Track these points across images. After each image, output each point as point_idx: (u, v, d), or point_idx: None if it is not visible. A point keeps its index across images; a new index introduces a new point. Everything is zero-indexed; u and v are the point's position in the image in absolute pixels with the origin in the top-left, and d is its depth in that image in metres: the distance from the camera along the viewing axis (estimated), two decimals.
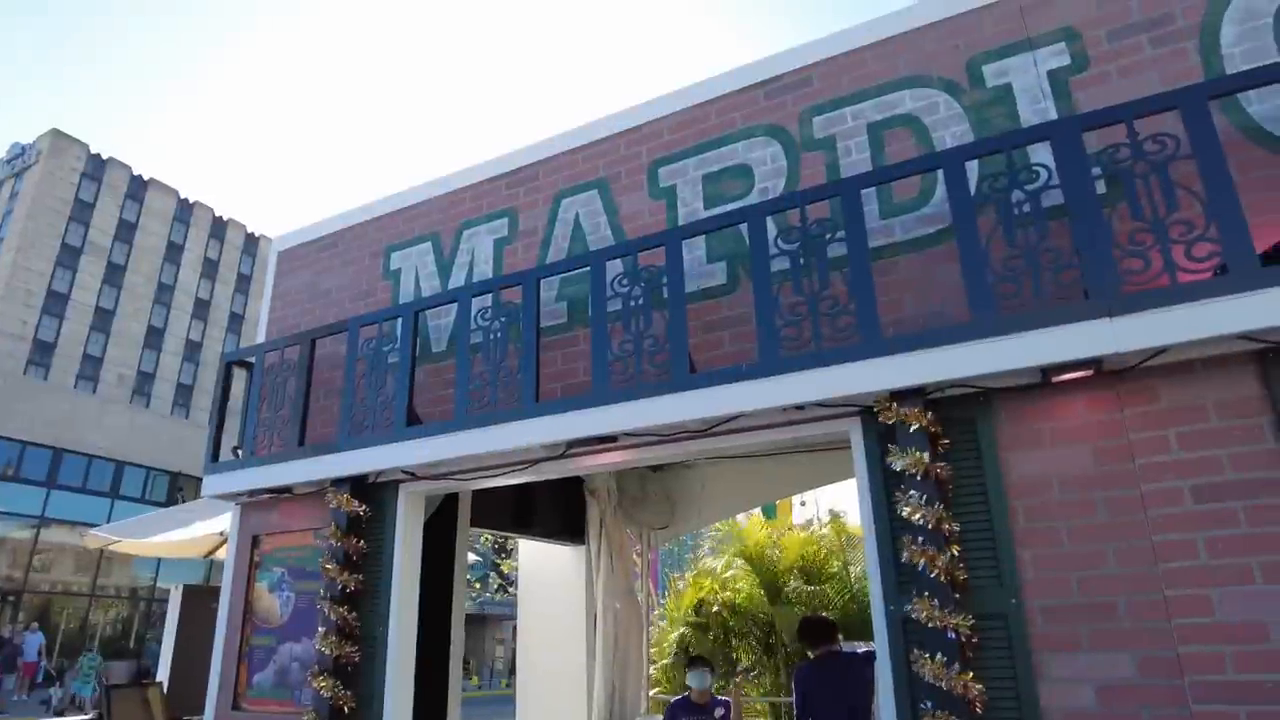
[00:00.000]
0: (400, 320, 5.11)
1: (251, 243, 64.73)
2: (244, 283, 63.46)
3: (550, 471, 4.82)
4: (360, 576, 5.10)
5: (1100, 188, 3.51)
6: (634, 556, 8.55)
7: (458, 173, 5.83)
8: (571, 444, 4.39)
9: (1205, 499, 3.18)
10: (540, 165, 5.44)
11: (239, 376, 5.99)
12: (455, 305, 5.09)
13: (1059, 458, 3.43)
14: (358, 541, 5.13)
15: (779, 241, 3.98)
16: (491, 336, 4.71)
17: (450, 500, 6.17)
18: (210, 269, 61.56)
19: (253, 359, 5.88)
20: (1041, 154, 3.60)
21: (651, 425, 4.11)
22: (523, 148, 5.58)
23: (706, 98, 4.87)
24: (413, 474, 5.10)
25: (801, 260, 3.91)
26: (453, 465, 4.90)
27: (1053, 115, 3.86)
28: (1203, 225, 3.14)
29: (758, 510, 11.38)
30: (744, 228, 4.23)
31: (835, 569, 10.00)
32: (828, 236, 3.90)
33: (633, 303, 4.27)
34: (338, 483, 5.19)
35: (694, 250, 4.55)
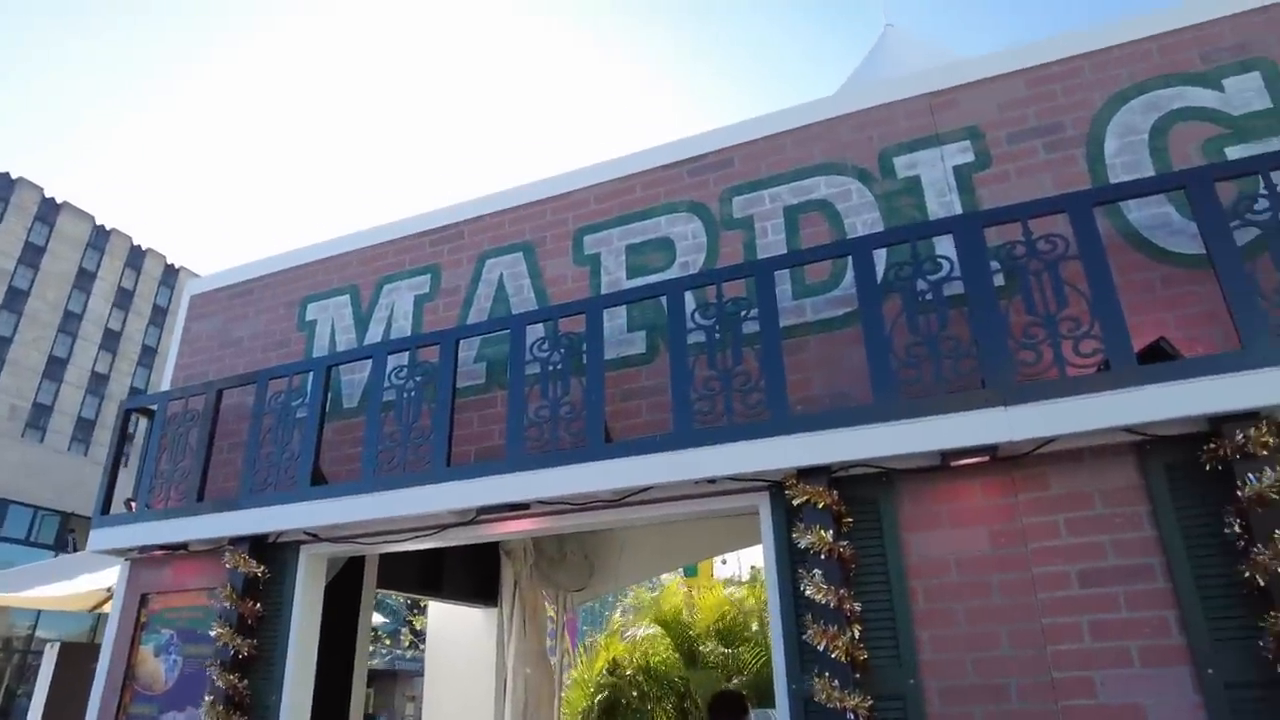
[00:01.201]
0: (311, 374, 4.98)
1: (171, 274, 62.40)
2: (159, 315, 60.93)
3: (459, 538, 4.72)
4: (254, 641, 4.85)
5: (999, 280, 3.70)
6: (549, 618, 8.38)
7: (381, 226, 5.78)
8: (482, 510, 4.31)
9: (1090, 583, 3.32)
10: (467, 224, 5.44)
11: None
12: (370, 361, 4.99)
13: (957, 539, 3.54)
14: (254, 604, 4.89)
15: (696, 316, 4.05)
16: (405, 395, 4.62)
17: (356, 560, 5.96)
18: (124, 299, 58.99)
19: (154, 406, 5.62)
20: (945, 246, 3.78)
21: (565, 494, 4.08)
22: (450, 206, 5.58)
23: (633, 171, 4.97)
24: (315, 535, 4.92)
25: (717, 335, 3.99)
26: (357, 528, 4.75)
27: (957, 209, 4.08)
28: (1089, 323, 3.33)
29: (678, 572, 11.35)
30: (664, 300, 4.29)
31: (752, 631, 10.00)
32: (743, 314, 3.99)
33: (551, 368, 4.27)
34: (236, 541, 4.96)
35: (615, 318, 4.60)
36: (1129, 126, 3.94)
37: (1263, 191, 3.28)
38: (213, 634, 4.81)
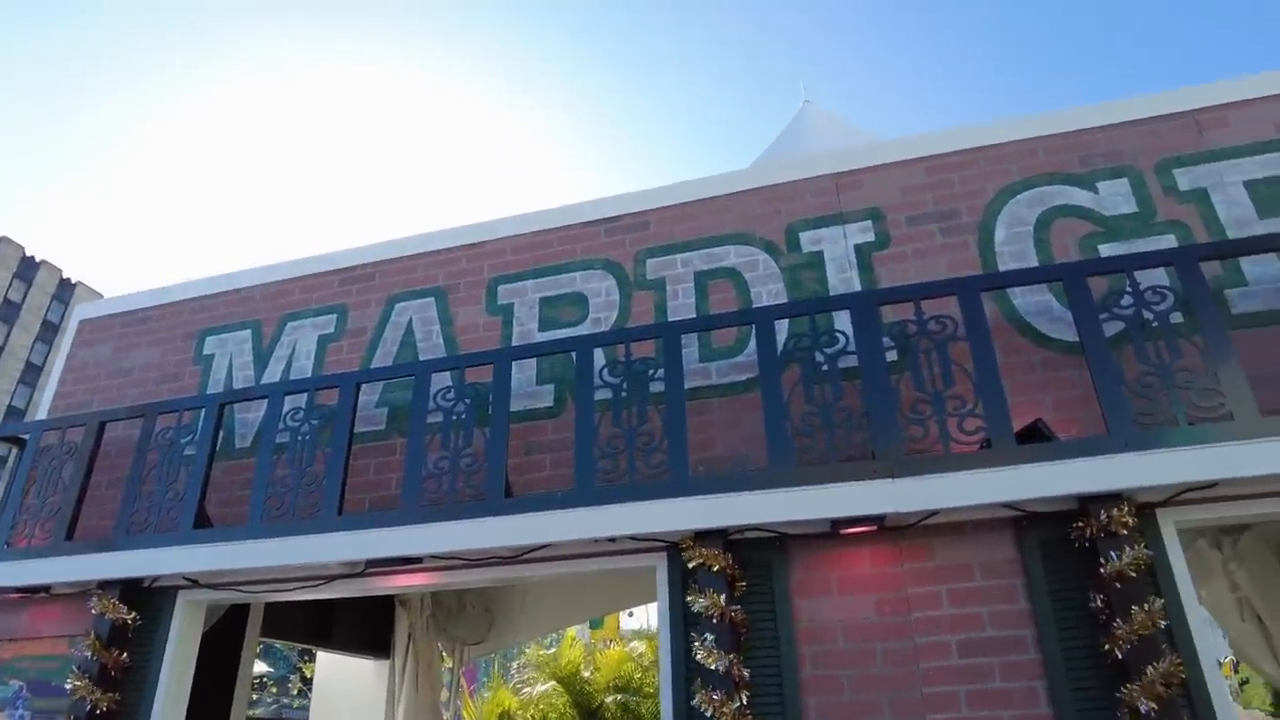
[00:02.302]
0: (204, 411, 4.77)
1: (66, 289, 59.02)
2: (49, 331, 57.41)
3: (349, 589, 4.54)
4: (117, 695, 4.51)
5: (893, 356, 3.87)
6: (445, 670, 8.11)
7: (289, 262, 5.65)
8: (372, 563, 4.18)
9: (968, 654, 3.43)
10: (378, 266, 5.37)
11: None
12: (266, 400, 4.81)
13: (845, 606, 3.62)
14: (120, 654, 4.56)
15: (604, 373, 4.08)
16: (300, 438, 4.47)
17: (240, 606, 5.66)
18: (10, 311, 55.41)
19: (26, 435, 5.27)
20: (843, 320, 3.93)
21: (460, 550, 4.00)
22: (362, 246, 5.50)
23: (551, 225, 5.03)
24: (195, 581, 4.66)
25: (624, 394, 4.02)
26: (241, 575, 4.52)
27: (856, 285, 4.26)
28: (973, 402, 3.50)
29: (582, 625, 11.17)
30: (574, 355, 4.31)
31: (654, 688, 9.88)
32: (650, 373, 4.04)
33: (455, 418, 4.21)
34: (106, 585, 4.64)
35: (525, 370, 4.59)
36: (1017, 218, 4.22)
37: (1128, 289, 3.54)
38: (67, 687, 4.46)
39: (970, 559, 3.56)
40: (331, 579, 4.44)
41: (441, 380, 4.39)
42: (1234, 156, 4.10)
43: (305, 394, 4.58)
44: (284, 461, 4.49)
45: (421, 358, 4.94)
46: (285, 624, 6.51)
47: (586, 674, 9.56)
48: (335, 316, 5.33)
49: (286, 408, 4.57)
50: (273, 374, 5.31)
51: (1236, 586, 7.06)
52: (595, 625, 13.93)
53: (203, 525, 4.48)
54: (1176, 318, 3.51)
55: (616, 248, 4.83)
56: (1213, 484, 3.29)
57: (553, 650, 9.87)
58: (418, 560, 4.15)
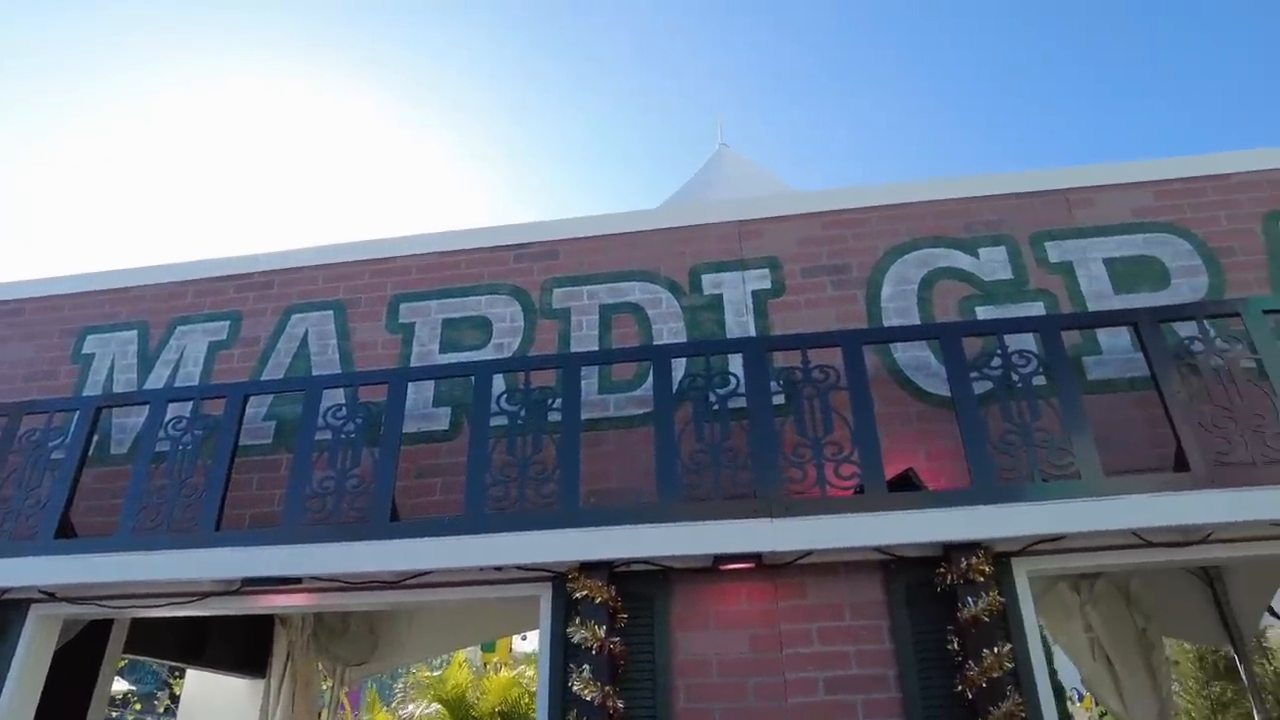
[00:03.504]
0: (78, 413, 4.54)
1: None
2: None
3: (224, 607, 4.37)
4: None
5: (780, 400, 4.03)
6: (324, 690, 7.84)
7: (184, 263, 5.45)
8: (248, 581, 4.05)
9: (834, 691, 3.58)
10: (278, 274, 5.24)
11: None
12: (147, 406, 4.61)
13: (721, 641, 3.72)
14: None
15: (503, 400, 4.09)
16: (181, 448, 4.30)
17: (102, 621, 5.35)
18: None
19: None
20: (736, 363, 4.07)
21: (341, 572, 3.92)
22: (263, 253, 5.36)
23: (460, 247, 5.03)
24: (52, 594, 4.40)
25: (520, 422, 4.04)
26: (106, 589, 4.30)
27: (751, 330, 4.43)
28: (850, 449, 3.68)
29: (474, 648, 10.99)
30: (473, 380, 4.31)
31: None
32: (549, 403, 4.08)
33: (345, 436, 4.14)
34: None
35: (422, 391, 4.55)
36: (903, 276, 4.48)
37: (998, 351, 3.80)
38: None
39: (841, 599, 3.72)
40: (205, 596, 4.27)
41: (335, 397, 4.31)
42: (1097, 235, 4.48)
43: (190, 402, 4.42)
44: (162, 471, 4.31)
45: (316, 372, 4.83)
46: (152, 640, 6.18)
47: (473, 698, 9.40)
48: (228, 323, 5.16)
49: (169, 415, 4.39)
50: (158, 378, 5.10)
51: (1090, 628, 7.55)
52: (488, 648, 13.70)
53: (66, 535, 4.25)
54: (1039, 380, 3.78)
55: (524, 274, 4.87)
56: (1060, 537, 3.56)
57: (440, 672, 9.67)
58: (297, 581, 4.04)
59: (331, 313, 5.04)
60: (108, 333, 5.33)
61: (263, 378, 4.91)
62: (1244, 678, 7.28)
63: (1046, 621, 9.49)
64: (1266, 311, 3.81)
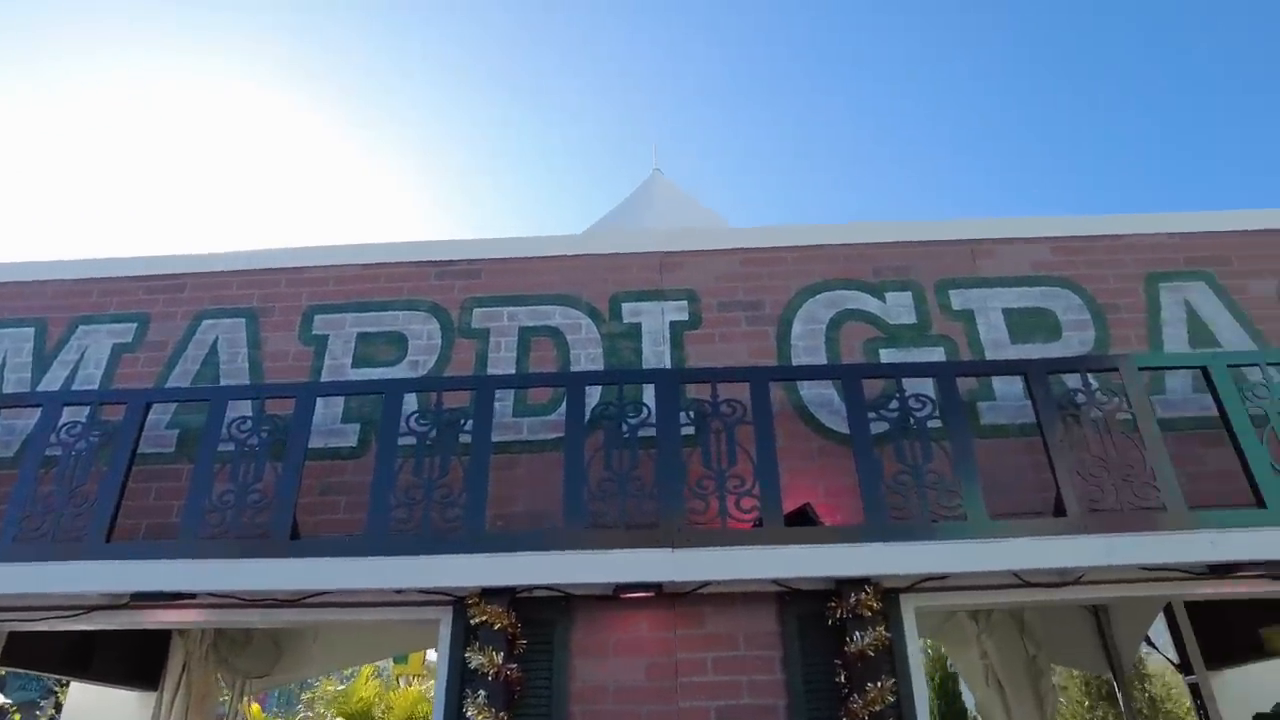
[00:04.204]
0: None
1: None
2: None
3: (110, 622, 4.22)
4: None
5: (691, 431, 4.11)
6: (221, 701, 7.58)
7: (89, 260, 5.26)
8: (138, 596, 3.92)
9: None
10: (190, 278, 5.10)
11: None
12: (40, 409, 4.43)
13: (619, 668, 3.77)
14: None
15: (413, 420, 4.07)
16: (74, 454, 4.15)
17: None
18: None
19: None
20: (649, 393, 4.15)
21: (238, 589, 3.84)
22: (175, 255, 5.21)
23: (380, 260, 4.98)
24: None
25: (429, 443, 4.03)
26: None
27: (667, 360, 4.52)
28: (751, 482, 3.79)
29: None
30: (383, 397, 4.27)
31: None
32: (461, 424, 4.08)
33: (247, 449, 4.06)
34: None
35: (331, 406, 4.49)
36: (813, 316, 4.63)
37: (896, 394, 3.97)
38: None
39: (737, 629, 3.82)
40: (91, 609, 4.12)
41: (241, 408, 4.23)
42: (998, 285, 4.73)
43: (88, 407, 4.26)
44: (52, 477, 4.14)
45: (224, 381, 4.72)
46: (35, 651, 5.88)
47: (379, 712, 9.22)
48: (135, 325, 5.00)
49: (64, 419, 4.23)
50: (55, 379, 4.90)
51: (985, 655, 7.86)
52: (400, 660, 13.44)
53: None
54: (934, 424, 3.95)
55: (445, 292, 4.86)
56: (946, 575, 3.72)
57: (345, 686, 9.44)
58: (191, 596, 3.93)
59: (244, 320, 4.93)
60: (2, 328, 5.10)
61: (170, 384, 4.77)
62: (1121, 704, 7.68)
63: (947, 648, 9.83)
64: (1142, 368, 4.08)
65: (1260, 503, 3.71)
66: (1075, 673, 11.93)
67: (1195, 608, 6.65)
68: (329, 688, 9.35)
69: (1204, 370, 4.04)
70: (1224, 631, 6.47)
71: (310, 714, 9.62)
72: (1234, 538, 3.64)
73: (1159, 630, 8.02)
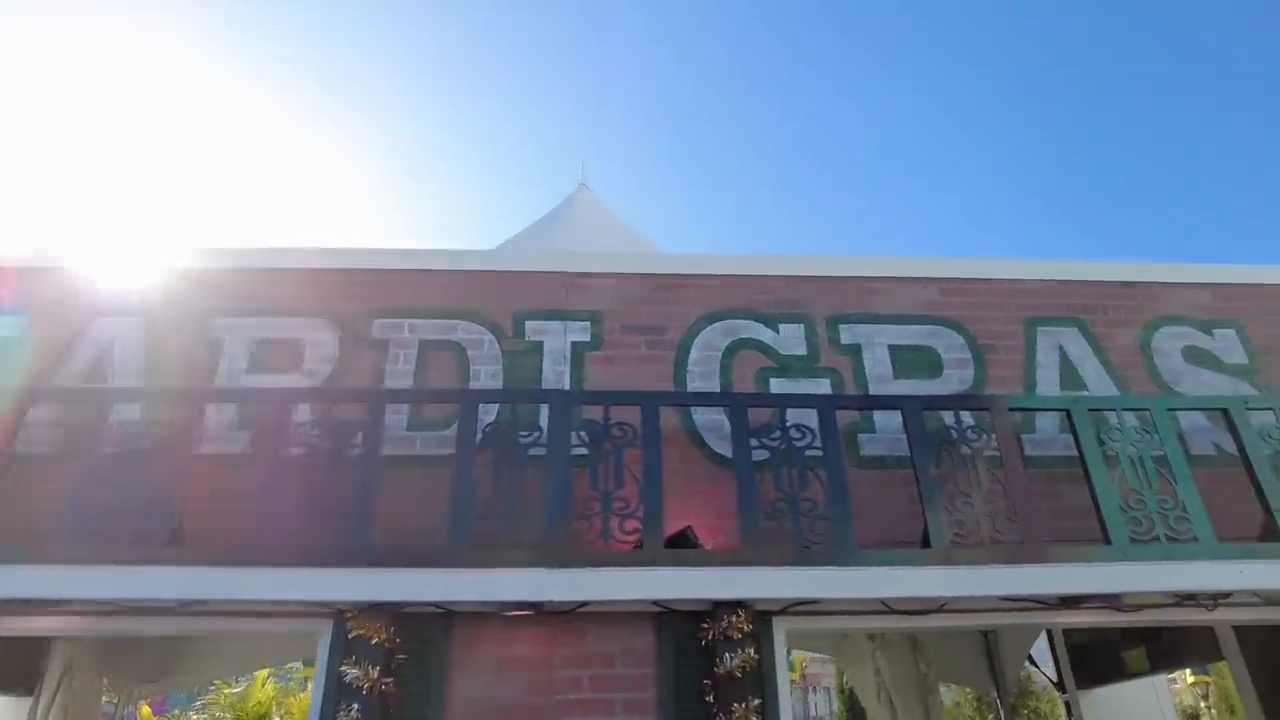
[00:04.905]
0: None
1: None
2: None
3: None
4: None
5: (583, 451, 4.19)
6: (109, 704, 7.33)
7: None
8: (7, 602, 3.80)
9: None
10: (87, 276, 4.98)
11: None
12: None
13: (498, 685, 3.82)
14: None
15: (305, 429, 4.06)
16: None
17: None
18: None
19: None
20: (545, 412, 4.22)
21: (114, 597, 3.76)
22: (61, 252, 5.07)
23: (283, 265, 4.94)
24: None
25: (320, 454, 4.02)
26: None
27: (567, 380, 4.60)
28: (635, 505, 3.89)
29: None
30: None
31: None
32: (360, 436, 4.08)
33: (134, 452, 3.98)
34: None
35: (224, 411, 4.44)
36: (710, 343, 4.78)
37: (779, 424, 4.13)
38: None
39: (615, 648, 3.91)
40: None
41: (130, 411, 4.16)
42: (885, 322, 4.95)
43: None
44: None
45: (118, 380, 4.62)
46: None
47: (277, 718, 9.04)
48: (20, 321, 4.85)
49: None
50: None
51: (879, 672, 8.14)
52: (309, 662, 13.15)
53: None
54: (814, 453, 4.12)
55: (347, 301, 4.84)
56: (816, 600, 3.89)
57: (240, 689, 9.22)
58: (61, 602, 3.84)
59: (142, 320, 4.83)
60: None
61: (58, 382, 4.65)
62: None
63: (844, 666, 10.11)
64: (1011, 409, 4.33)
65: (1107, 540, 3.98)
66: (969, 690, 12.42)
67: (1068, 632, 7.02)
68: (225, 690, 9.12)
69: (1067, 413, 4.31)
70: (1093, 654, 6.85)
71: (204, 718, 9.36)
72: (1082, 572, 3.90)
73: (1044, 652, 8.44)
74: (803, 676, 23.53)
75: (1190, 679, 15.60)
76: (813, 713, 24.24)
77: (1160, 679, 8.72)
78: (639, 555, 3.79)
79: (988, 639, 7.62)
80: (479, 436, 4.10)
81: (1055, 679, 7.96)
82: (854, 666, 8.32)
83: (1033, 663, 9.00)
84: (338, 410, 4.15)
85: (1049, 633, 7.27)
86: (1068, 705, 7.65)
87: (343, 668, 3.67)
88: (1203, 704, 15.66)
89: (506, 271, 4.96)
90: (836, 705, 18.08)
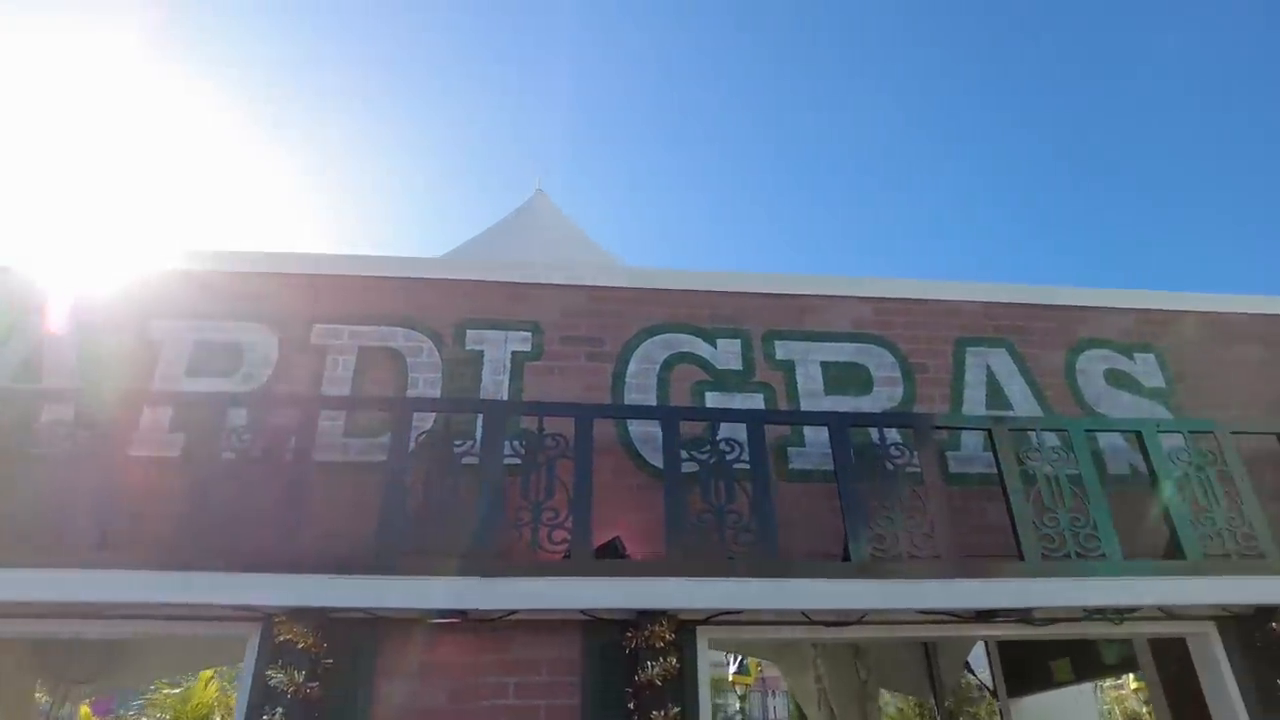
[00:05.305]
0: None
1: None
2: None
3: None
4: None
5: (517, 461, 4.25)
6: (45, 704, 7.23)
7: None
8: None
9: None
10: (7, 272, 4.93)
11: None
12: None
13: (425, 691, 3.87)
14: None
15: (236, 434, 4.07)
16: None
17: None
18: None
19: None
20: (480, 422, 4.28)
21: (34, 600, 3.75)
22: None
23: (224, 268, 4.93)
24: None
25: (253, 459, 4.04)
26: None
27: (505, 389, 4.66)
28: (564, 515, 3.96)
29: None
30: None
31: None
32: (292, 441, 4.11)
33: (59, 452, 3.98)
34: None
35: (159, 413, 4.43)
36: (649, 356, 4.87)
37: (710, 438, 4.22)
38: None
39: (542, 655, 3.98)
40: None
41: (63, 411, 4.14)
42: (818, 340, 5.08)
43: None
44: None
45: (48, 380, 4.58)
46: None
47: (219, 718, 8.95)
48: None
49: None
50: None
51: (819, 679, 8.30)
52: None
53: None
54: (743, 466, 4.22)
55: (287, 306, 4.85)
56: (738, 611, 3.99)
57: (181, 689, 9.10)
58: None
59: (76, 321, 4.80)
60: None
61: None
62: None
63: (786, 673, 10.26)
64: (935, 428, 4.47)
65: (1020, 555, 4.14)
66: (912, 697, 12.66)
67: (1002, 642, 7.21)
68: (165, 691, 9.00)
69: (989, 432, 4.47)
70: (1024, 663, 7.05)
71: (144, 719, 9.24)
72: (995, 587, 4.05)
73: (982, 660, 8.66)
74: (761, 680, 23.71)
75: (1134, 685, 16.02)
76: (771, 716, 24.43)
77: (1088, 687, 8.98)
78: (566, 565, 3.86)
79: (927, 647, 7.79)
80: (414, 444, 4.15)
81: (991, 687, 8.19)
82: (795, 674, 8.46)
83: (970, 671, 9.22)
84: (273, 415, 4.16)
85: (985, 642, 7.46)
86: (1001, 711, 7.86)
87: (268, 672, 3.69)
88: (1145, 709, 16.08)
89: (450, 280, 5.01)
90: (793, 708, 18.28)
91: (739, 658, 18.99)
